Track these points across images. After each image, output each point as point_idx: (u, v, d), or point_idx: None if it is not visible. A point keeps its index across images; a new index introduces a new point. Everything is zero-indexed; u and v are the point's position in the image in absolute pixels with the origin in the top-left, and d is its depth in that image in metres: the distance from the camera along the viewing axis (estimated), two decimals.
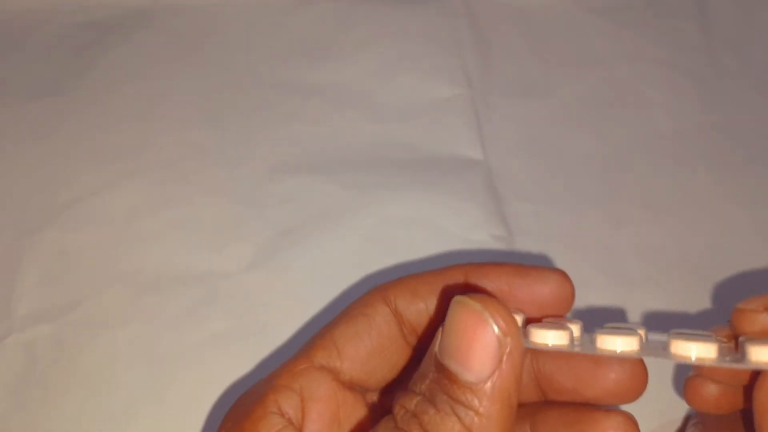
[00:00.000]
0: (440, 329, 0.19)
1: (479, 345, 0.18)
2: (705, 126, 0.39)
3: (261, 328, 0.33)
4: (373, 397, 0.24)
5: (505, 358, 0.18)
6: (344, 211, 0.36)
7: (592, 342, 0.20)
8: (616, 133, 0.39)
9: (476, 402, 0.18)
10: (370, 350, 0.23)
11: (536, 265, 0.23)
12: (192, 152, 0.38)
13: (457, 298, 0.19)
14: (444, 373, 0.19)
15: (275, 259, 0.35)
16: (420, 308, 0.23)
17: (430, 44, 0.42)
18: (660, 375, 0.31)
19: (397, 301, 0.23)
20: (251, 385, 0.24)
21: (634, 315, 0.34)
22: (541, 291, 0.22)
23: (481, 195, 0.37)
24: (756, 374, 0.21)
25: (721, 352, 0.19)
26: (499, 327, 0.18)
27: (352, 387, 0.23)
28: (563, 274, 0.23)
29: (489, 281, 0.22)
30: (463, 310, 0.19)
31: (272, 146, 0.38)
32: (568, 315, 0.23)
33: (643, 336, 0.21)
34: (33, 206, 0.36)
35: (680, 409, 0.30)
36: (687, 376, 0.25)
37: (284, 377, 0.22)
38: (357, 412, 0.23)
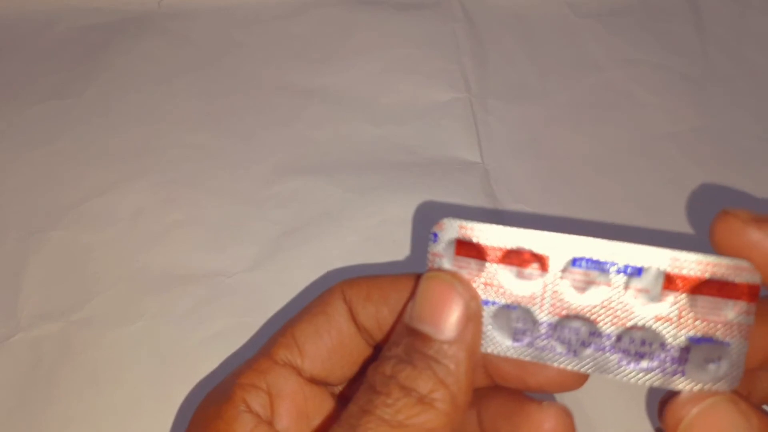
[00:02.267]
0: (410, 302, 0.21)
1: (450, 308, 0.21)
2: (699, 128, 0.40)
3: (264, 326, 0.33)
4: (339, 390, 0.25)
5: (471, 319, 0.21)
6: (345, 212, 0.36)
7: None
8: (612, 135, 0.39)
9: (448, 357, 0.20)
10: (330, 348, 0.23)
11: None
12: (196, 154, 0.38)
13: (428, 274, 0.21)
14: (417, 336, 0.21)
15: (277, 259, 0.35)
16: (370, 313, 0.23)
17: (429, 49, 0.42)
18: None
19: (352, 303, 0.23)
20: (215, 385, 0.24)
21: None
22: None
23: (478, 196, 0.37)
24: None
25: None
26: (465, 293, 0.21)
27: (315, 382, 0.23)
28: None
29: None
30: (434, 281, 0.21)
31: (275, 148, 0.38)
32: None
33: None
34: (39, 207, 0.36)
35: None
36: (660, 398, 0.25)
37: (250, 375, 0.22)
38: (324, 404, 0.23)
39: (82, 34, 0.42)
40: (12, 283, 0.34)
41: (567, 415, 0.21)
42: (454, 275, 0.21)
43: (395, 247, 0.35)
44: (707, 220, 0.36)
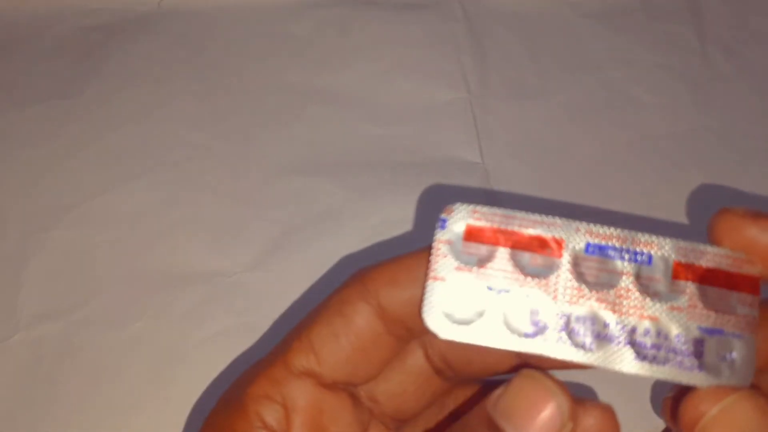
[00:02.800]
0: (499, 390, 0.19)
1: (543, 418, 0.18)
2: (699, 129, 0.39)
3: (264, 326, 0.33)
4: (361, 391, 0.24)
5: None
6: (345, 212, 0.36)
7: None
8: (612, 135, 0.39)
9: None
10: (350, 353, 0.22)
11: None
12: (196, 154, 0.38)
13: (528, 372, 0.19)
14: None
15: (277, 259, 0.35)
16: (403, 298, 0.21)
17: (429, 49, 0.42)
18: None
19: (379, 295, 0.21)
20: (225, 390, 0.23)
21: None
22: None
23: (478, 197, 0.37)
24: None
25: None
26: (565, 409, 0.19)
27: (336, 387, 0.22)
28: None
29: None
30: (535, 383, 0.19)
31: (274, 148, 0.38)
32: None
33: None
34: (39, 206, 0.36)
35: None
36: (665, 396, 0.25)
37: (264, 385, 0.21)
38: (341, 414, 0.22)
39: (82, 34, 0.42)
40: (12, 283, 0.34)
41: (611, 413, 0.20)
42: (559, 386, 0.19)
43: (395, 248, 0.35)
44: (706, 219, 0.36)
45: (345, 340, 0.21)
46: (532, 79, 0.41)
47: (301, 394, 0.21)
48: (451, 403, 0.25)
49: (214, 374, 0.32)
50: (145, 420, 0.31)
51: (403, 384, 0.24)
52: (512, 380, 0.19)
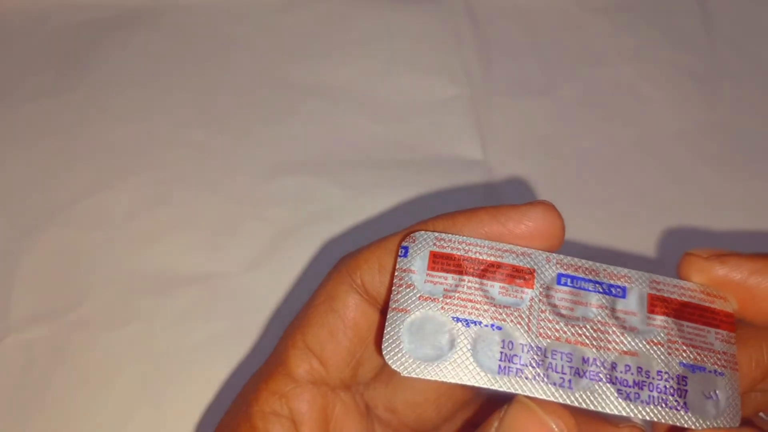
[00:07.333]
0: (495, 418, 0.19)
1: None
2: (706, 125, 0.39)
3: (261, 329, 0.33)
4: (379, 402, 0.24)
5: None
6: (343, 212, 0.36)
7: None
8: (617, 132, 0.39)
9: None
10: (350, 347, 0.21)
11: (517, 204, 0.21)
12: (191, 152, 0.37)
13: (522, 399, 0.19)
14: None
15: (274, 260, 0.34)
16: (390, 283, 0.21)
17: (431, 43, 0.41)
18: None
19: (364, 282, 0.21)
20: (229, 406, 0.23)
21: None
22: (522, 231, 0.20)
23: (481, 195, 0.36)
24: None
25: None
26: None
27: (343, 388, 0.22)
28: (547, 207, 0.20)
29: (465, 231, 0.21)
30: (529, 413, 0.18)
31: (271, 146, 0.38)
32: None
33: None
34: (31, 206, 0.36)
35: None
36: None
37: (270, 400, 0.21)
38: (348, 422, 0.22)
39: (75, 30, 0.41)
40: (3, 284, 0.34)
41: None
42: (548, 411, 0.18)
43: None
44: (712, 218, 0.36)
45: (342, 337, 0.21)
46: (537, 75, 0.41)
47: (308, 405, 0.21)
48: (462, 416, 0.24)
49: (210, 378, 0.32)
50: (139, 423, 0.31)
51: (424, 392, 0.23)
52: (507, 411, 0.19)
